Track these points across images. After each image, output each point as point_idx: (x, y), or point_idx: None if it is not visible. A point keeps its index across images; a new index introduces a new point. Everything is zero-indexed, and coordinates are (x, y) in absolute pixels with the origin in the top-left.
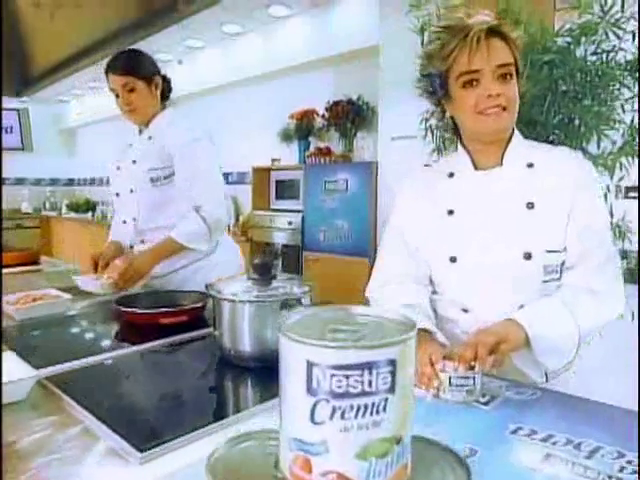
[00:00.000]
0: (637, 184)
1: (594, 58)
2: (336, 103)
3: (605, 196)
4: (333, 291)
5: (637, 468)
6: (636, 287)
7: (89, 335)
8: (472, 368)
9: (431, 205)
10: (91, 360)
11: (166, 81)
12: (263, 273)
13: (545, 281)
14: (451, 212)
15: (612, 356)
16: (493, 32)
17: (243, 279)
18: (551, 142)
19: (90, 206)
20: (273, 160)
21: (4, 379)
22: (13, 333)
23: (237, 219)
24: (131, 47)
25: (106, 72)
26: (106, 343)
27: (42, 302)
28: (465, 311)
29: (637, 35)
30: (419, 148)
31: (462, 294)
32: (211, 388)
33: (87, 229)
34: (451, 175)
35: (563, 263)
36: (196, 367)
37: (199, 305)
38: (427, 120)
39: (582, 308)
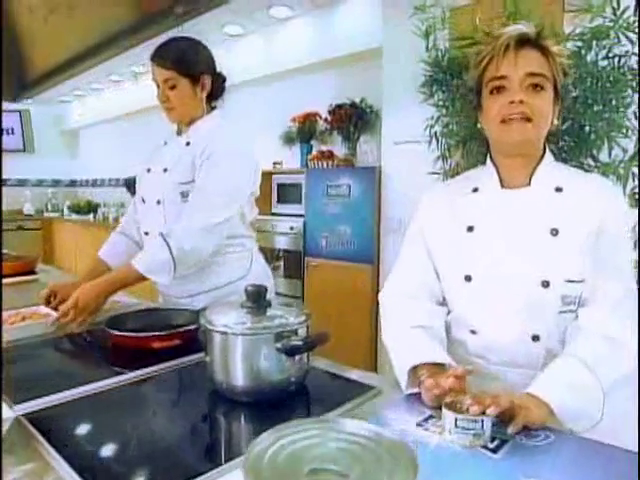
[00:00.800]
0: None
1: (605, 63)
2: (339, 106)
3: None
4: (335, 298)
5: None
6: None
7: (76, 361)
8: (483, 413)
9: (451, 219)
10: (76, 392)
11: (220, 79)
12: (257, 300)
13: (562, 312)
14: (471, 229)
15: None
16: (529, 42)
17: (237, 306)
18: (560, 149)
19: (92, 208)
20: (275, 164)
21: None
22: None
23: None
24: (185, 35)
25: (151, 59)
26: (93, 371)
27: (30, 322)
28: (473, 332)
29: (637, 39)
30: (423, 153)
31: (472, 314)
32: (201, 428)
33: (88, 231)
34: (475, 190)
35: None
36: (187, 401)
37: (192, 327)
38: (432, 127)
39: (602, 364)
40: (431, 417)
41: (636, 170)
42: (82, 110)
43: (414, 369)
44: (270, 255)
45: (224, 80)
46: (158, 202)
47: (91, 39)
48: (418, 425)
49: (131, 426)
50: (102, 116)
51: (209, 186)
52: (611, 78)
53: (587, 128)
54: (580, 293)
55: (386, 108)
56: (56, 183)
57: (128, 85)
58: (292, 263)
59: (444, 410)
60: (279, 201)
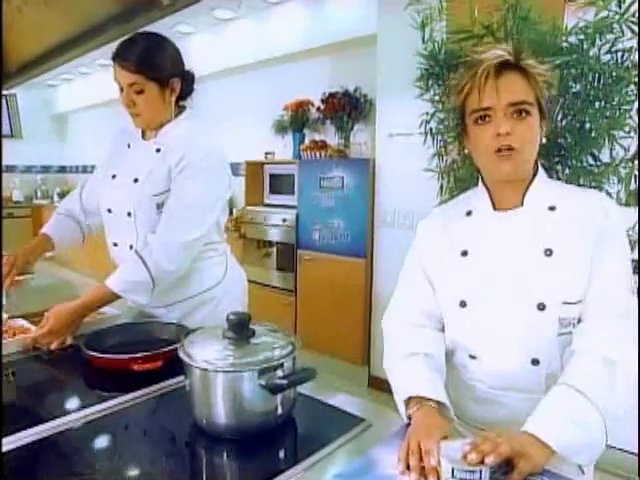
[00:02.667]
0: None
1: (608, 57)
2: (332, 95)
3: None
4: (328, 291)
5: None
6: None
7: (49, 388)
8: (481, 462)
9: (447, 245)
10: (45, 428)
11: (190, 78)
12: (240, 330)
13: (561, 334)
14: (465, 253)
15: None
16: (510, 66)
17: (218, 336)
18: (559, 147)
19: None
20: (267, 154)
21: None
22: None
23: (231, 213)
24: (151, 32)
25: (113, 59)
26: (66, 400)
27: (5, 341)
28: (473, 357)
29: (637, 33)
30: (418, 146)
31: (470, 339)
32: (181, 472)
33: None
34: (469, 214)
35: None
36: (166, 437)
37: (175, 347)
38: (427, 122)
39: (602, 389)
40: None
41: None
42: (70, 94)
43: (409, 399)
44: (262, 247)
45: (193, 79)
46: (129, 214)
47: (72, 30)
48: (409, 468)
49: (104, 473)
50: (91, 101)
51: (186, 199)
52: (614, 74)
53: (588, 125)
54: (578, 315)
55: (380, 99)
56: (45, 169)
57: None
58: (285, 255)
59: (440, 457)
60: (272, 191)
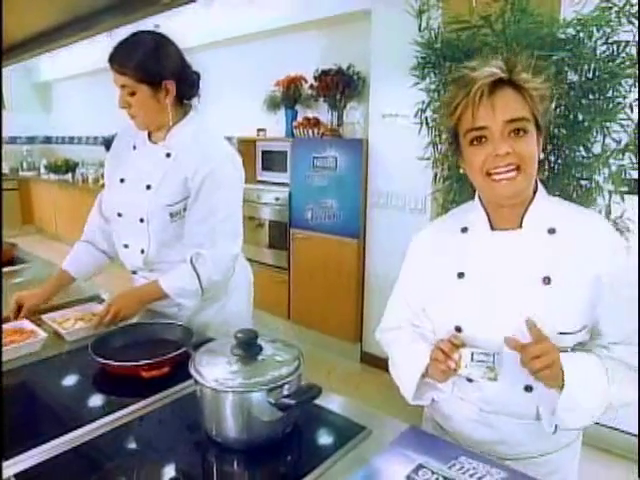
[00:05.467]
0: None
1: (604, 48)
2: (325, 73)
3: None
4: (321, 270)
5: None
6: None
7: (56, 399)
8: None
9: (441, 264)
10: (49, 447)
11: (191, 78)
12: (248, 348)
13: None
14: (461, 275)
15: None
16: (503, 83)
17: (227, 352)
18: (552, 138)
19: (70, 167)
20: (259, 130)
21: None
22: None
23: None
24: (147, 31)
25: (109, 61)
26: (73, 412)
27: (14, 345)
28: (469, 380)
29: (637, 26)
30: (412, 128)
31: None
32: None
33: (67, 192)
34: (464, 230)
35: (577, 343)
36: (175, 446)
37: (181, 351)
38: (423, 112)
39: (620, 382)
40: (420, 467)
41: (626, 163)
42: (54, 62)
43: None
44: (254, 223)
45: (198, 79)
46: (142, 220)
47: (63, 19)
48: (408, 479)
49: None
50: (76, 70)
51: (221, 213)
52: (609, 70)
53: (581, 117)
54: (572, 344)
55: (374, 79)
56: (31, 140)
57: (103, 38)
58: (277, 234)
59: (461, 349)
60: (264, 168)
